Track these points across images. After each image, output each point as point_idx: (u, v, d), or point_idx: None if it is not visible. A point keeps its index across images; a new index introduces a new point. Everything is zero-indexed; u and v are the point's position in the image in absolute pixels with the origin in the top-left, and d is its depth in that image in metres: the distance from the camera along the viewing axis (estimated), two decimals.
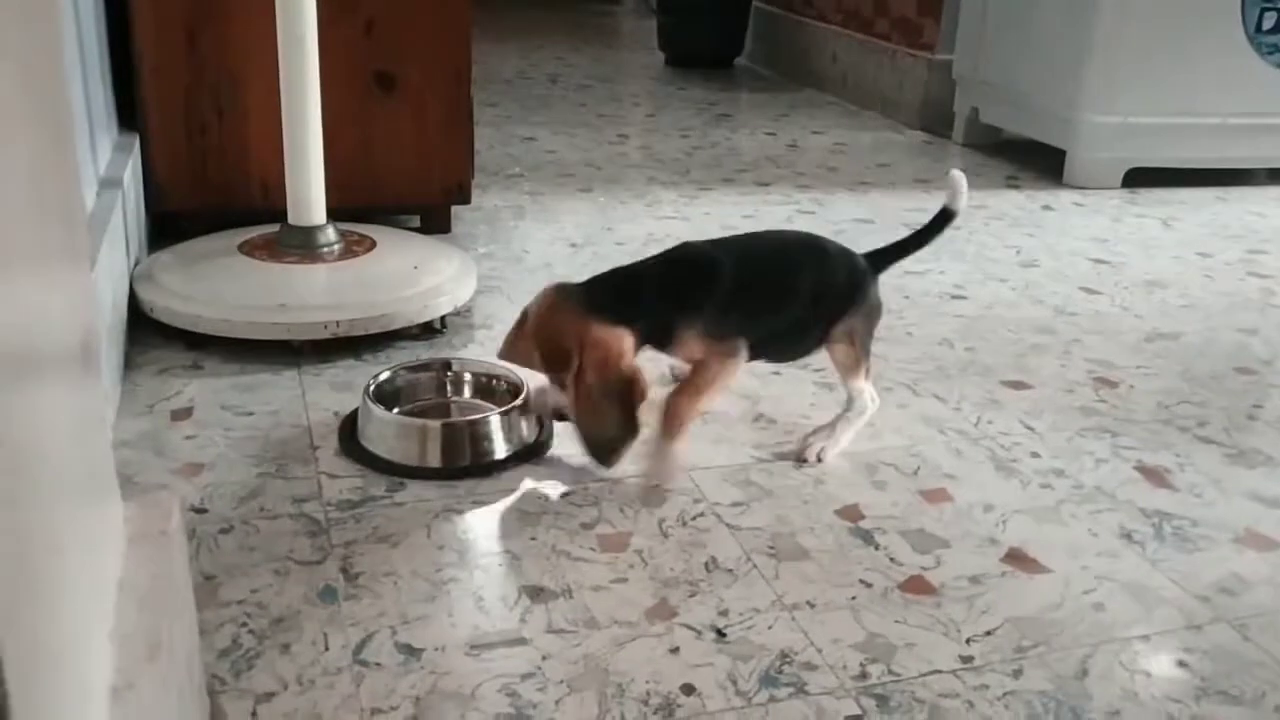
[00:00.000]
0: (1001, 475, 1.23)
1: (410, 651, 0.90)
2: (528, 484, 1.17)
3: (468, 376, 1.33)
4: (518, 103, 3.17)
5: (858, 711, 0.86)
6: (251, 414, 1.28)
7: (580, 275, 1.74)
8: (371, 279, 1.52)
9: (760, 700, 0.87)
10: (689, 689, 0.87)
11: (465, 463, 1.19)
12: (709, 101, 3.34)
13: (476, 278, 1.61)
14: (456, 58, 1.81)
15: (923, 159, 2.75)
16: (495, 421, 1.21)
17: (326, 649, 0.90)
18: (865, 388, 1.26)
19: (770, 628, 0.95)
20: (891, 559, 1.06)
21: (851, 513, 1.14)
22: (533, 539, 1.06)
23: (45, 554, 0.51)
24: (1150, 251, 2.08)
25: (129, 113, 1.70)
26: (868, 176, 2.54)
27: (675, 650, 0.92)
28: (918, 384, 1.45)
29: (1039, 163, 2.64)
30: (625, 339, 1.11)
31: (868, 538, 1.09)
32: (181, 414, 1.27)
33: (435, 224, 1.91)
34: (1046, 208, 2.34)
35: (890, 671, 0.90)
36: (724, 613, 0.97)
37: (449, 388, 1.33)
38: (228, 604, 0.94)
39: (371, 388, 1.24)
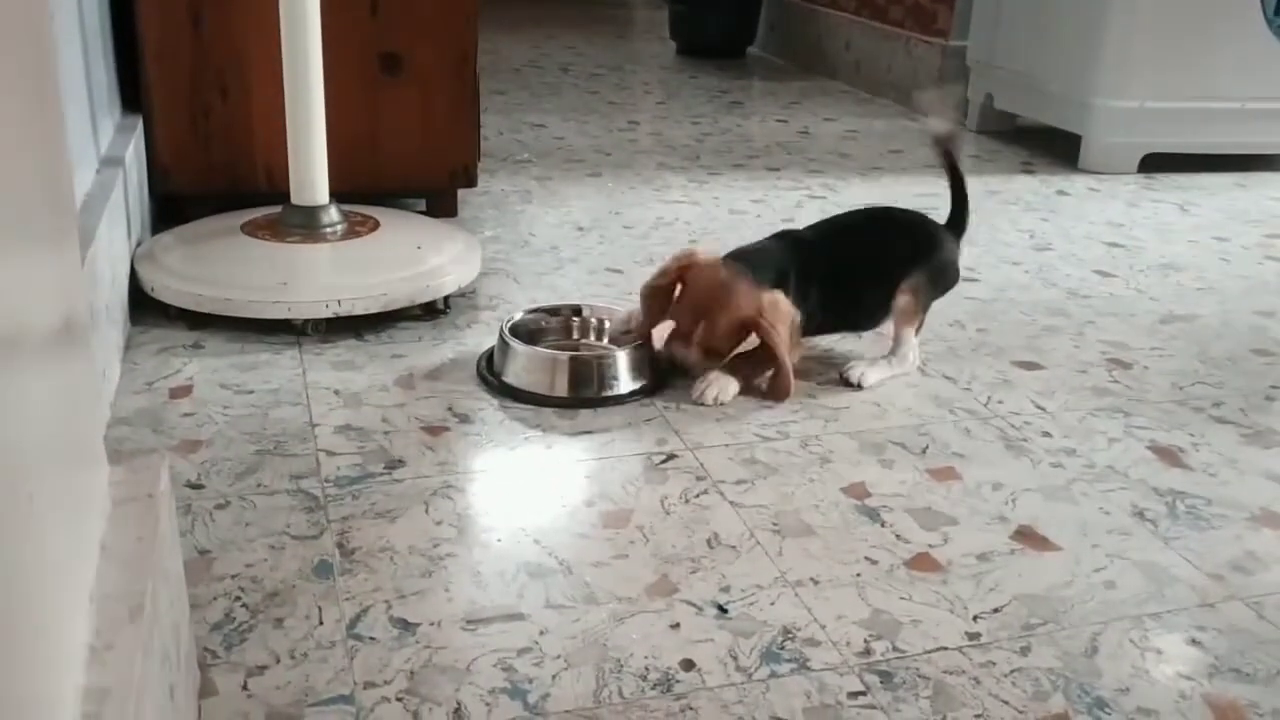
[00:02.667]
0: (1011, 454, 1.20)
1: (405, 626, 0.88)
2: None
3: (594, 320, 1.44)
4: (528, 90, 3.16)
5: (861, 688, 0.84)
6: (251, 392, 1.26)
7: (586, 258, 1.75)
8: (374, 259, 1.50)
9: (761, 676, 0.85)
10: (688, 664, 0.86)
11: (591, 394, 1.28)
12: (720, 89, 3.32)
13: (481, 259, 1.59)
14: (463, 40, 1.79)
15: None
16: (620, 358, 1.30)
17: (320, 623, 0.88)
18: (912, 342, 1.38)
19: (773, 604, 0.93)
20: (898, 536, 1.04)
21: (858, 490, 1.12)
22: (533, 515, 1.05)
23: (22, 516, 0.50)
24: (1166, 236, 2.05)
25: (133, 95, 1.69)
26: (880, 162, 2.51)
27: (675, 626, 0.90)
28: (928, 364, 1.43)
29: (1054, 148, 2.61)
30: (790, 307, 1.29)
31: (874, 515, 1.07)
32: (180, 392, 1.26)
33: (441, 207, 1.90)
34: (1061, 193, 2.32)
35: (895, 648, 0.89)
36: (726, 589, 0.95)
37: (575, 331, 1.44)
38: (221, 578, 0.93)
39: (507, 325, 1.34)
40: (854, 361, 1.37)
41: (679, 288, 1.33)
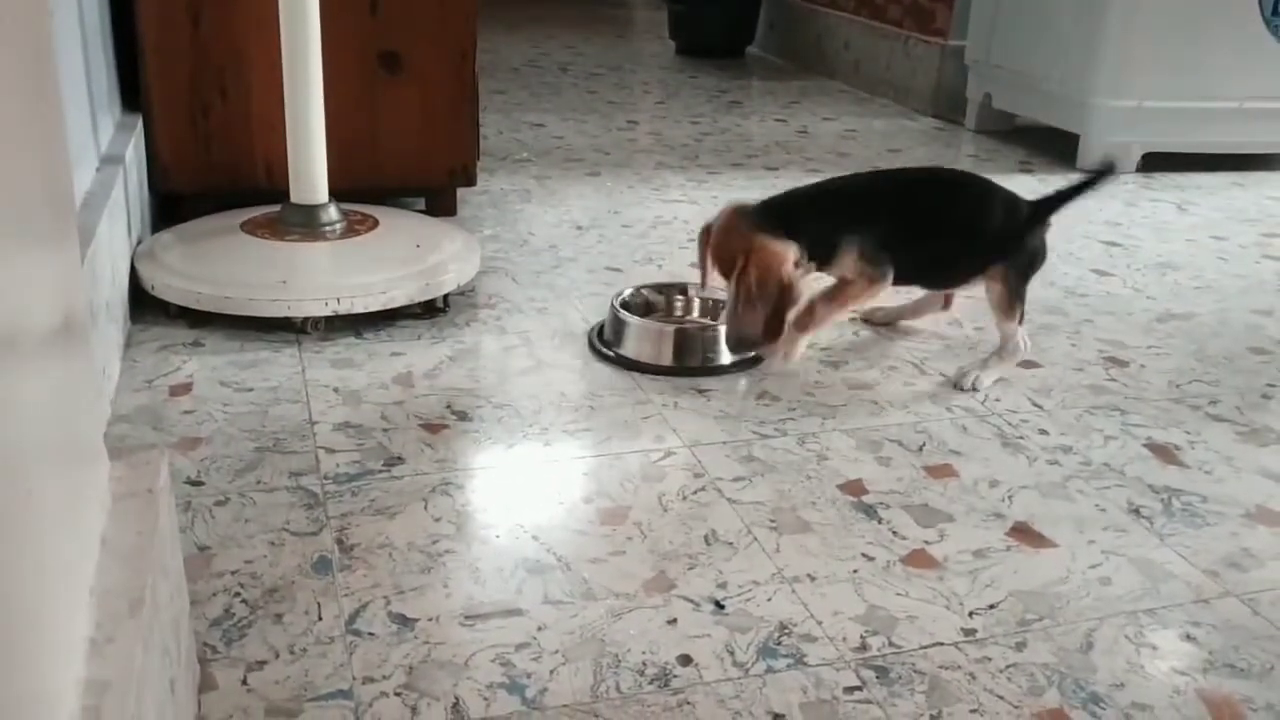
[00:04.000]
0: (1008, 451, 1.21)
1: (404, 622, 0.89)
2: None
3: (697, 300, 1.52)
4: (527, 90, 3.16)
5: (857, 683, 0.84)
6: (251, 390, 1.27)
7: (585, 257, 1.75)
8: (373, 257, 1.51)
9: (758, 671, 0.85)
10: (686, 659, 0.86)
11: (696, 364, 1.37)
12: (720, 89, 3.32)
13: (480, 257, 1.60)
14: (462, 39, 1.79)
15: (934, 145, 2.73)
16: (723, 331, 1.34)
17: (319, 619, 0.89)
18: (1017, 330, 1.37)
19: (769, 600, 0.94)
20: (894, 533, 1.04)
21: (855, 487, 1.12)
22: (531, 512, 1.05)
23: (22, 511, 0.50)
24: (1164, 234, 2.05)
25: (133, 93, 1.70)
26: (879, 162, 2.51)
27: (673, 622, 0.90)
28: (925, 363, 1.43)
29: (1052, 148, 2.62)
30: (788, 250, 1.27)
31: (870, 512, 1.08)
32: (180, 389, 1.26)
33: (440, 206, 1.90)
34: None
35: (891, 644, 0.89)
36: (723, 585, 0.95)
37: (679, 308, 1.54)
38: (221, 574, 0.94)
39: (619, 299, 1.45)
40: (964, 367, 1.38)
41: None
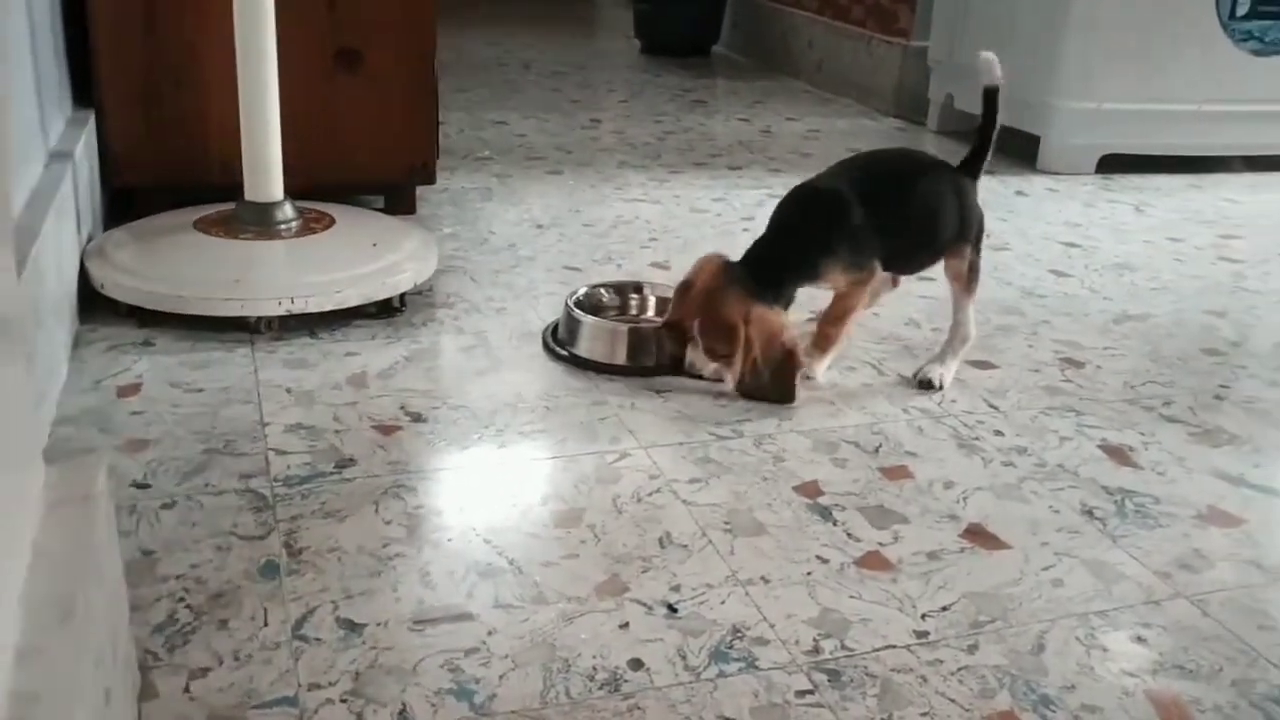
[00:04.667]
0: (964, 453, 1.21)
1: (351, 627, 0.88)
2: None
3: (653, 298, 1.52)
4: (489, 88, 3.14)
5: (809, 686, 0.84)
6: (201, 391, 1.25)
7: (544, 256, 1.74)
8: (329, 256, 1.49)
9: (709, 675, 0.85)
10: (637, 664, 0.85)
11: (650, 363, 1.36)
12: (684, 88, 3.32)
13: (438, 256, 1.58)
14: (421, 36, 1.78)
15: (896, 145, 2.74)
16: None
17: (265, 624, 0.87)
18: (971, 314, 1.38)
19: (723, 603, 0.93)
20: (849, 534, 1.04)
21: (810, 489, 1.12)
22: (484, 514, 1.04)
23: None
24: (1121, 236, 2.07)
25: (86, 89, 1.67)
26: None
27: (625, 626, 0.90)
28: (882, 363, 1.43)
29: (1013, 149, 2.62)
30: (781, 317, 1.29)
31: (826, 514, 1.07)
32: (129, 390, 1.24)
33: (400, 204, 1.88)
34: (1019, 193, 2.33)
35: (843, 646, 0.89)
36: (676, 588, 0.95)
37: (634, 306, 1.53)
38: (165, 579, 0.92)
39: (573, 298, 1.43)
40: (926, 364, 1.38)
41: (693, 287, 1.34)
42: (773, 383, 1.28)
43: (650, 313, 1.52)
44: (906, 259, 1.39)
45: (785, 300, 1.31)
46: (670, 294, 1.44)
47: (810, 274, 1.31)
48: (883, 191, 1.34)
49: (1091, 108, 2.48)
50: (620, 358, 1.37)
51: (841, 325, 1.35)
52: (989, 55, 1.39)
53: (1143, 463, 1.21)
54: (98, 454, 0.73)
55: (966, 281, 1.37)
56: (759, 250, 1.33)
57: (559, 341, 1.41)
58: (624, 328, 1.40)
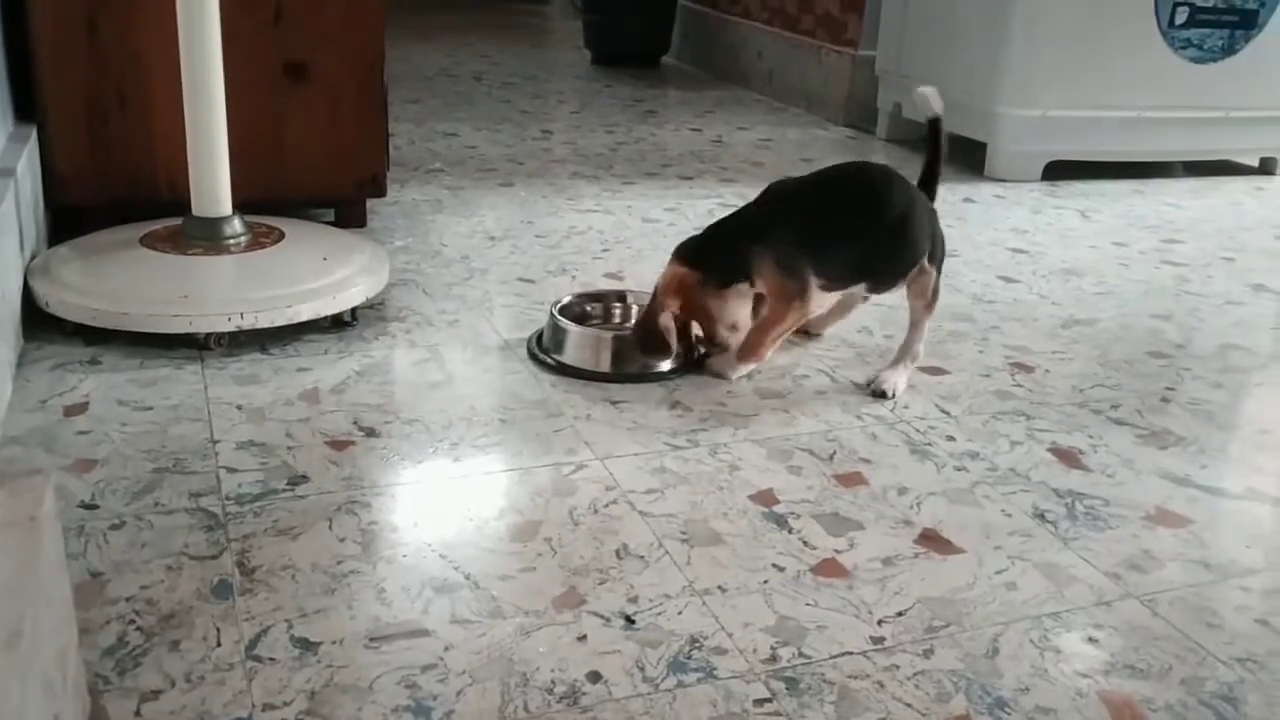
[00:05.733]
0: (917, 459, 1.22)
1: (306, 645, 0.87)
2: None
3: (636, 307, 1.52)
4: (440, 99, 3.13)
5: (767, 694, 0.84)
6: (150, 409, 1.23)
7: (497, 268, 1.74)
8: (279, 270, 1.48)
9: (668, 686, 0.85)
10: (595, 676, 0.85)
11: (634, 370, 1.37)
12: (635, 99, 3.33)
13: (390, 270, 1.57)
14: (369, 47, 1.77)
15: (847, 154, 2.76)
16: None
17: (218, 645, 0.86)
18: (924, 334, 1.40)
19: (680, 613, 0.93)
20: (805, 542, 1.05)
21: (766, 497, 1.12)
22: (440, 529, 1.04)
23: None
24: (1068, 241, 2.10)
25: (28, 103, 1.64)
26: (792, 170, 2.51)
27: (583, 638, 0.90)
28: (836, 371, 1.44)
29: (961, 157, 2.66)
30: (686, 272, 1.35)
31: (781, 522, 1.08)
32: (76, 409, 1.22)
33: (350, 217, 1.87)
34: (968, 200, 2.36)
35: (800, 654, 0.89)
36: (634, 599, 0.95)
37: (618, 315, 1.55)
38: (115, 601, 0.91)
39: (557, 306, 1.46)
40: (880, 374, 1.39)
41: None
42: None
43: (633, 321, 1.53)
44: (876, 272, 1.38)
45: (726, 274, 1.35)
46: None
47: (743, 265, 1.34)
48: (850, 203, 1.36)
49: (1036, 115, 2.52)
50: (605, 365, 1.39)
51: (764, 330, 1.37)
52: (925, 89, 1.42)
53: (1092, 465, 1.23)
54: (44, 474, 0.71)
55: (929, 298, 1.40)
56: (710, 226, 1.42)
57: (544, 349, 1.42)
58: (608, 335, 1.41)
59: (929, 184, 1.43)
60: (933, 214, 1.40)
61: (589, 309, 1.53)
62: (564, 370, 1.38)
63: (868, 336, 1.57)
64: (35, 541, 0.67)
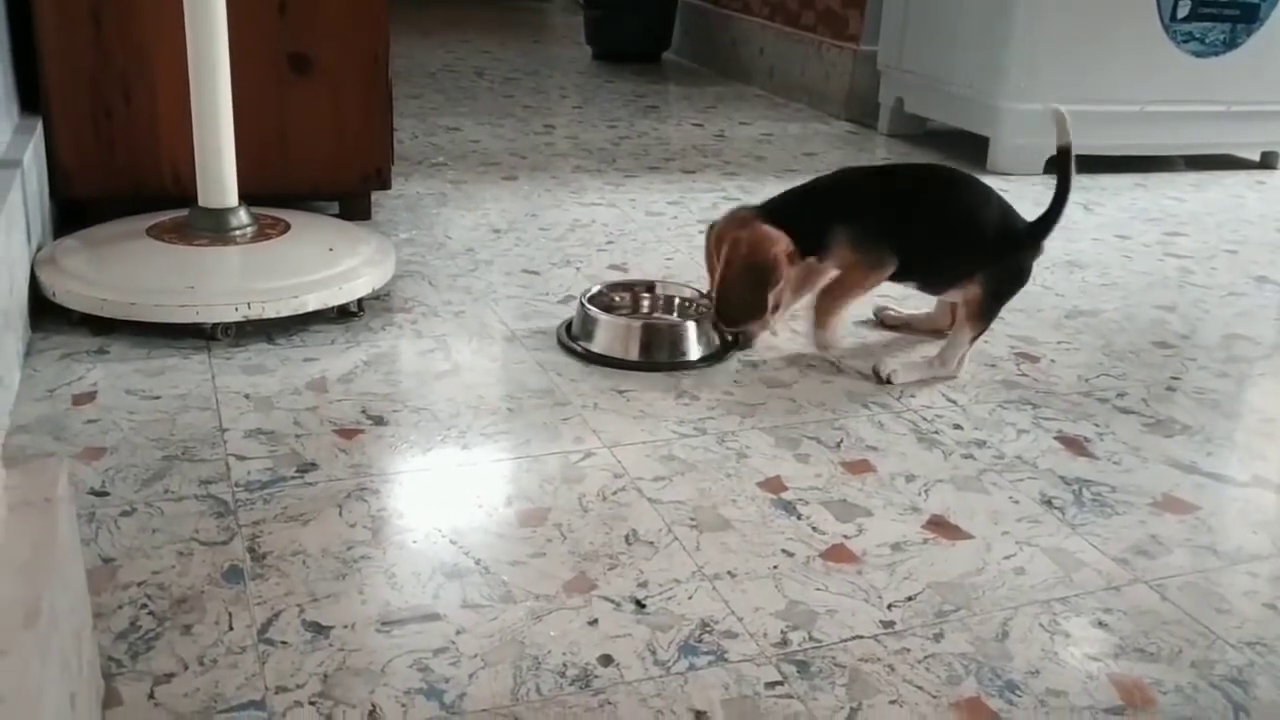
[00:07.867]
0: (924, 446, 1.22)
1: (318, 629, 0.87)
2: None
3: (663, 297, 1.55)
4: (443, 94, 3.13)
5: (778, 677, 0.85)
6: (158, 398, 1.23)
7: (502, 260, 1.74)
8: (285, 261, 1.48)
9: (679, 669, 0.85)
10: (607, 659, 0.85)
11: (663, 359, 1.39)
12: (636, 94, 3.33)
13: (395, 261, 1.57)
14: (373, 40, 1.77)
15: (848, 148, 2.76)
16: (690, 327, 1.42)
17: (230, 629, 0.86)
18: (963, 353, 1.38)
19: (690, 598, 0.94)
20: (814, 528, 1.05)
21: (774, 484, 1.12)
22: (449, 516, 1.04)
23: None
24: (1071, 234, 2.10)
25: (33, 95, 1.65)
26: (794, 165, 2.54)
27: (594, 622, 0.90)
28: (842, 360, 1.44)
29: (963, 151, 2.66)
30: (779, 235, 1.33)
31: (790, 508, 1.08)
32: (84, 398, 1.22)
33: (355, 210, 1.87)
34: None
35: (811, 638, 0.89)
36: (644, 584, 0.95)
37: (646, 304, 1.56)
38: (127, 586, 0.91)
39: (587, 295, 1.47)
40: (886, 359, 1.41)
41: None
42: (747, 289, 1.34)
43: (661, 311, 1.55)
44: (929, 271, 1.39)
45: (790, 233, 1.34)
46: (683, 294, 1.55)
47: (817, 240, 1.34)
48: (921, 193, 1.38)
49: (1038, 109, 2.52)
50: (634, 354, 1.39)
51: (831, 299, 1.38)
52: (1060, 109, 1.34)
53: (1099, 453, 1.23)
54: (58, 457, 0.71)
55: (974, 317, 1.36)
56: (779, 195, 1.42)
57: (574, 338, 1.44)
58: (638, 323, 1.43)
59: (1050, 219, 1.38)
60: (1014, 231, 1.38)
61: (617, 299, 1.54)
62: (593, 359, 1.39)
63: (873, 328, 1.57)
64: (51, 523, 0.67)
